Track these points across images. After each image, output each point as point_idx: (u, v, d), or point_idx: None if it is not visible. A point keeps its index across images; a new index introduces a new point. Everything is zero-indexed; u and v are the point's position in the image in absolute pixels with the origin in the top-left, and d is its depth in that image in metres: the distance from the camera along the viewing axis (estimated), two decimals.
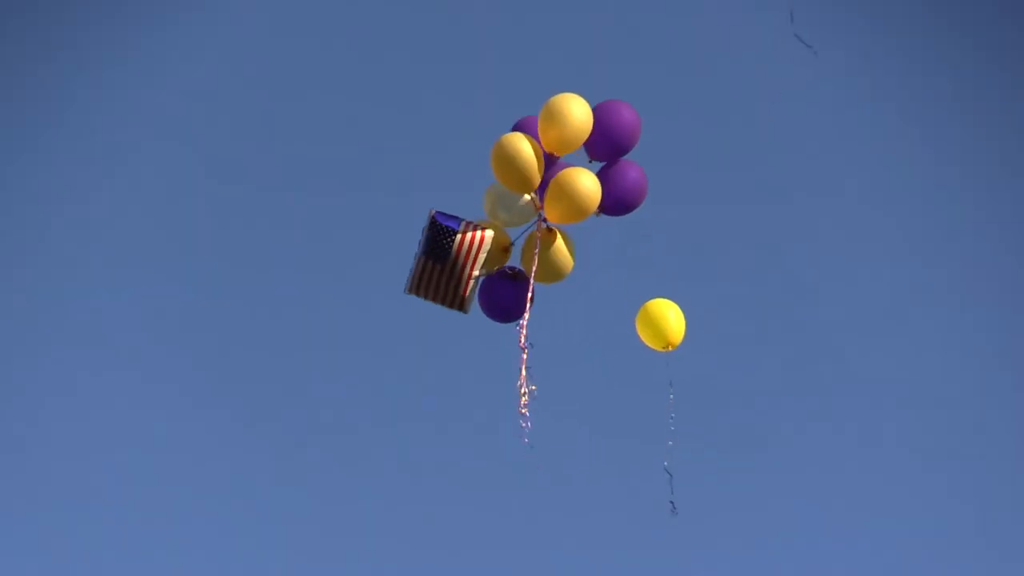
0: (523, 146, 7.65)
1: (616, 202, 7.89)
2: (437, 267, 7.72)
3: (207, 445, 14.76)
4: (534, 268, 7.87)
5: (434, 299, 7.84)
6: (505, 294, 7.98)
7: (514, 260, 8.16)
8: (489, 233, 7.74)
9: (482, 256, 7.71)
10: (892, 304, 14.72)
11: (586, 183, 7.68)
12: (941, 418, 14.18)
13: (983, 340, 14.28)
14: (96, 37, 14.76)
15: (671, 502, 7.74)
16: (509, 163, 7.64)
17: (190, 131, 15.71)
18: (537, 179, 7.73)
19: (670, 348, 7.86)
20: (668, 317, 7.89)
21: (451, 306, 7.83)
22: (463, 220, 7.76)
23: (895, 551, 13.84)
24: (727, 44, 15.43)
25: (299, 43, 16.23)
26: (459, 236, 7.65)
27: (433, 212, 7.72)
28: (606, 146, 7.81)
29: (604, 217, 7.96)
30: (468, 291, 7.78)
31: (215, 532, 14.38)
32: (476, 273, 7.75)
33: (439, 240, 7.66)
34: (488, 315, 8.07)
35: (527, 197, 7.84)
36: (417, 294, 7.85)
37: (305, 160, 16.08)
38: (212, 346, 15.37)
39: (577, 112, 7.63)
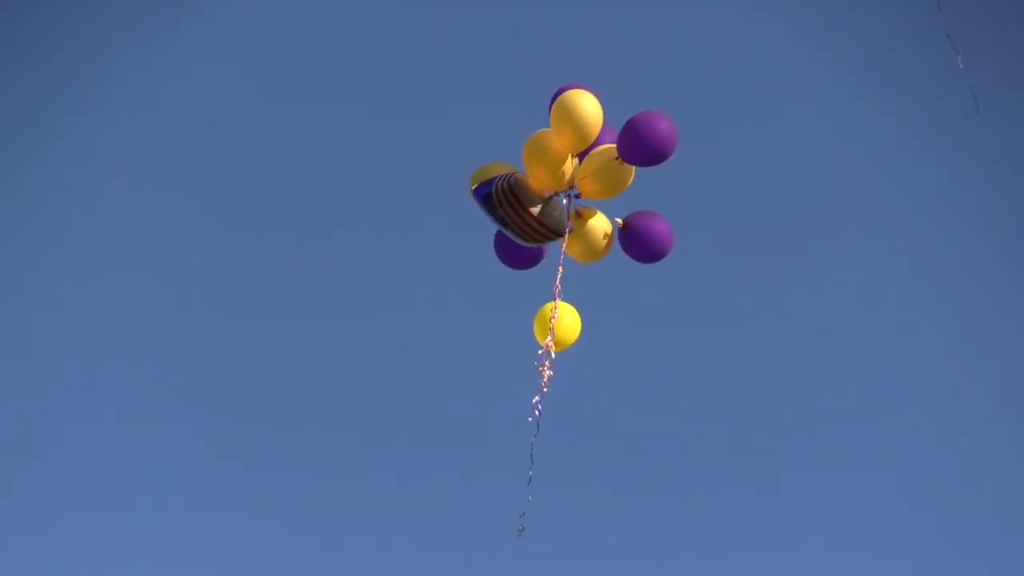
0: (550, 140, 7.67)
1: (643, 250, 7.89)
2: (507, 228, 7.71)
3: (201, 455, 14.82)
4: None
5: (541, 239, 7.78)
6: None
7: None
8: (515, 176, 7.66)
9: (523, 195, 7.63)
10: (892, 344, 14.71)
11: (587, 106, 7.61)
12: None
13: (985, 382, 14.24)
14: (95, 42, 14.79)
15: (520, 525, 7.64)
16: (538, 156, 7.66)
17: (188, 139, 15.73)
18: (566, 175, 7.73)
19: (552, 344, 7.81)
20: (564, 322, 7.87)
21: (548, 238, 7.77)
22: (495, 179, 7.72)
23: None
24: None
25: (300, 48, 16.24)
26: (494, 191, 7.61)
27: (472, 190, 7.69)
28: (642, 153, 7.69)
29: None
30: (543, 223, 7.67)
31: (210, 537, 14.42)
32: (534, 211, 7.63)
33: (489, 209, 7.64)
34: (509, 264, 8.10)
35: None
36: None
37: (300, 169, 16.10)
38: (207, 352, 15.40)
39: (588, 108, 7.58)
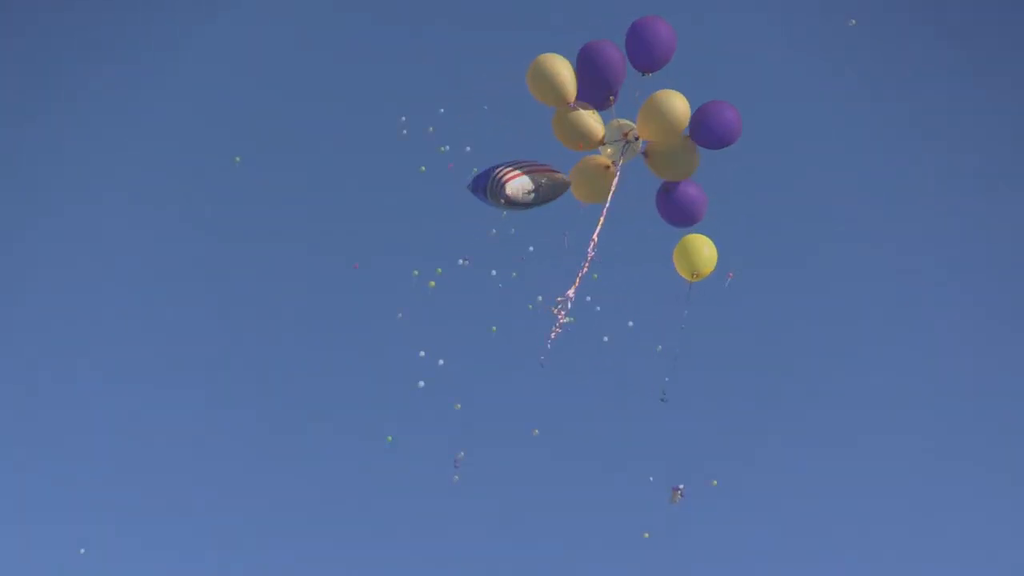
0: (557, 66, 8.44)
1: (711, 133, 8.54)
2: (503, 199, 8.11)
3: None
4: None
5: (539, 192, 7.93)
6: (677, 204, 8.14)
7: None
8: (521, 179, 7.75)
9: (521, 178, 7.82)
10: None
11: (677, 104, 8.03)
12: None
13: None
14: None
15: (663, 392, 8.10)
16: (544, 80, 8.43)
17: (187, 134, 15.76)
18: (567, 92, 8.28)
19: (696, 277, 8.23)
20: (702, 252, 8.27)
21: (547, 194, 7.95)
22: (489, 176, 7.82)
23: None
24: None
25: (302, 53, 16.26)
26: (493, 177, 7.73)
27: (468, 186, 7.91)
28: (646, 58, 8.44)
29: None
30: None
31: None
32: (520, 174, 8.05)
33: (488, 192, 7.84)
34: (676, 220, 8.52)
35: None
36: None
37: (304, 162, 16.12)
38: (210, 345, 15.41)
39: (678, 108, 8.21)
